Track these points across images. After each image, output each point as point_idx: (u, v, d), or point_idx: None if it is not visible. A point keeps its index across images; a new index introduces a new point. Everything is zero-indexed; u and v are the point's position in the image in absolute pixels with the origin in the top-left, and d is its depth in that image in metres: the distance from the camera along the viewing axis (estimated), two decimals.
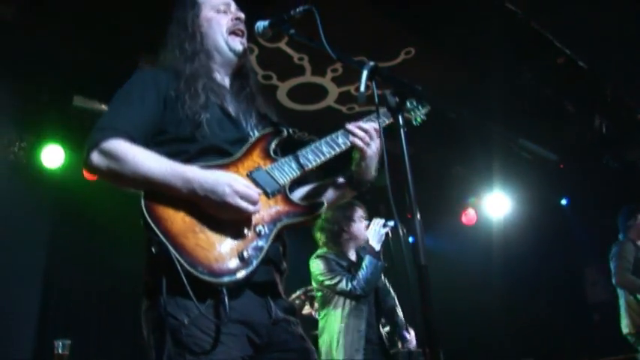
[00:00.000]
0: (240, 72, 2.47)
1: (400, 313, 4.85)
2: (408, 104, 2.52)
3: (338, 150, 2.33)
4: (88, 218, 6.33)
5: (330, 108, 6.73)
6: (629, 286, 5.84)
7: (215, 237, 1.95)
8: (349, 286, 4.41)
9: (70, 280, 6.32)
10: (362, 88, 1.83)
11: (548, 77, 6.18)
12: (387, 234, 4.54)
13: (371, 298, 4.63)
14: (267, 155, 2.23)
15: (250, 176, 2.13)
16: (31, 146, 6.08)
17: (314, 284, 4.71)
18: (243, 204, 1.95)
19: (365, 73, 1.85)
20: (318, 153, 2.30)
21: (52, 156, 6.09)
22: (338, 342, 4.44)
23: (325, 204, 2.18)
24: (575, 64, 5.78)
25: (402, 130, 1.79)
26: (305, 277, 4.91)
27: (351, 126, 2.32)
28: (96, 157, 2.01)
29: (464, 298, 8.29)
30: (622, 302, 5.94)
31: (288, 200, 2.15)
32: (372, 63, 1.88)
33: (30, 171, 6.11)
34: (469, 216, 9.33)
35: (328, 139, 2.35)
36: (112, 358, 6.25)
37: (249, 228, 2.01)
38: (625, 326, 5.90)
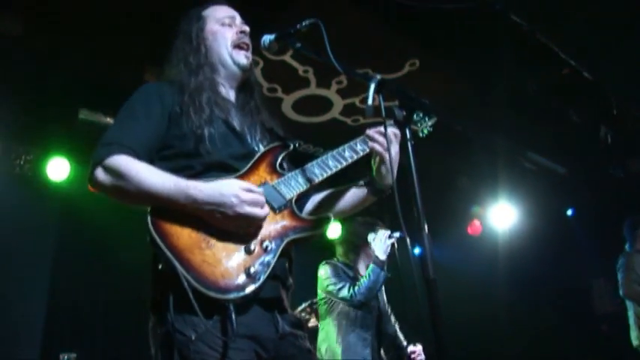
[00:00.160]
0: (245, 85, 2.47)
1: (402, 339, 4.91)
2: (415, 117, 2.52)
3: (356, 157, 2.33)
4: (94, 230, 6.32)
5: (335, 120, 6.73)
6: (637, 298, 5.80)
7: (222, 253, 1.94)
8: (350, 292, 4.52)
9: (76, 292, 6.30)
10: (369, 102, 1.83)
11: (554, 88, 6.18)
12: (392, 245, 4.62)
13: (373, 322, 4.69)
14: (273, 170, 2.23)
15: None
16: (37, 159, 6.09)
17: (319, 290, 4.78)
18: (253, 210, 1.95)
19: (372, 87, 1.85)
20: (324, 167, 2.29)
21: (58, 169, 6.09)
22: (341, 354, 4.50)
23: (332, 218, 2.17)
24: (580, 75, 5.78)
25: (409, 143, 1.79)
26: (310, 290, 4.94)
27: (371, 131, 2.32)
28: (100, 174, 2.02)
29: (469, 309, 8.24)
30: (630, 314, 5.89)
31: (294, 215, 2.14)
32: (378, 76, 1.88)
33: (35, 184, 6.12)
34: (474, 227, 9.30)
35: (346, 146, 2.35)
36: None
37: (255, 243, 2.00)
38: (635, 338, 5.85)
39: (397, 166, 2.23)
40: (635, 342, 5.85)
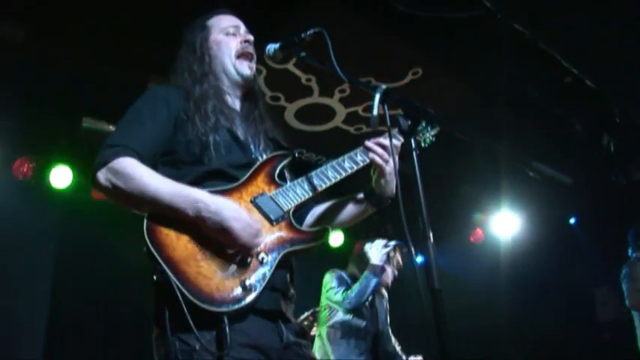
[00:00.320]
0: (249, 95, 2.48)
1: (402, 357, 4.99)
2: (418, 126, 2.53)
3: (355, 168, 2.33)
4: (96, 238, 6.35)
5: (338, 129, 6.73)
6: None
7: (217, 265, 1.94)
8: (343, 295, 4.72)
9: (78, 299, 6.29)
10: (374, 111, 1.83)
11: (556, 97, 6.17)
12: (388, 254, 4.86)
13: (370, 338, 4.84)
14: (271, 180, 2.22)
15: (254, 202, 2.12)
16: (40, 167, 6.10)
17: (322, 297, 4.96)
18: (244, 235, 1.95)
19: (377, 97, 1.85)
20: (324, 177, 2.29)
21: (61, 176, 6.10)
22: None
23: (330, 230, 2.17)
24: (583, 83, 5.77)
25: (414, 153, 1.79)
26: (313, 299, 5.00)
27: (369, 143, 2.32)
28: (104, 175, 2.02)
29: (471, 317, 8.21)
30: (637, 324, 5.85)
31: (292, 227, 2.13)
32: (383, 86, 1.88)
33: (38, 191, 6.13)
34: (477, 235, 9.29)
35: (346, 157, 2.36)
36: None
37: (251, 256, 1.99)
38: None
39: (397, 177, 2.23)
40: None
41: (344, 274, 4.97)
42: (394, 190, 2.33)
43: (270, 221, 2.09)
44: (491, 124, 6.45)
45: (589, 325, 8.62)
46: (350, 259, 5.22)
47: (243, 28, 2.50)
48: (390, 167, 2.28)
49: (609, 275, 6.56)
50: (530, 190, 8.14)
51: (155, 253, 1.89)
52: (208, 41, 2.42)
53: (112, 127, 5.73)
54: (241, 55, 2.41)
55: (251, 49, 2.44)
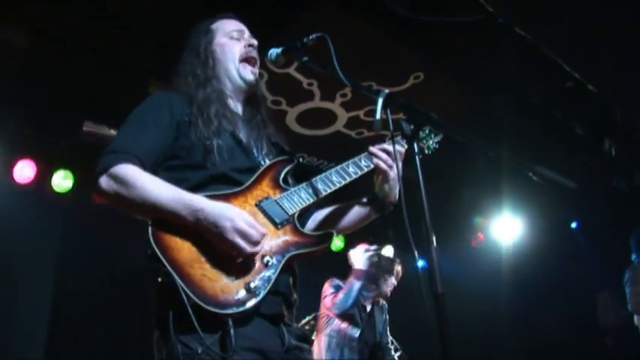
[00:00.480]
0: (251, 99, 2.48)
1: None
2: (421, 133, 2.53)
3: (360, 173, 2.34)
4: (97, 241, 6.35)
5: (339, 133, 6.73)
6: None
7: (222, 267, 1.93)
8: (331, 302, 4.82)
9: (79, 300, 6.30)
10: (377, 116, 1.82)
11: (558, 101, 6.18)
12: (370, 257, 4.95)
13: (366, 351, 4.94)
14: (276, 184, 2.22)
15: (259, 206, 2.12)
16: (41, 170, 6.10)
17: (321, 304, 5.04)
18: (241, 243, 1.92)
19: (380, 101, 1.85)
20: (328, 182, 2.29)
21: (62, 181, 6.11)
22: None
23: (335, 234, 2.17)
24: (584, 87, 5.78)
25: (417, 157, 1.79)
26: (315, 303, 5.03)
27: (374, 148, 2.32)
28: (105, 182, 2.02)
29: (472, 322, 8.20)
30: None
31: (297, 231, 2.13)
32: (386, 90, 1.88)
33: (40, 195, 6.13)
34: (478, 239, 9.29)
35: (351, 162, 2.36)
36: None
37: (256, 259, 1.99)
38: None
39: (400, 182, 2.23)
40: None
41: (341, 283, 5.01)
42: (397, 196, 2.33)
43: (275, 225, 2.09)
44: (493, 128, 6.45)
45: (591, 329, 8.60)
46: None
47: (247, 33, 2.50)
48: (393, 173, 2.29)
49: (611, 280, 6.54)
50: (531, 194, 8.13)
51: (160, 255, 1.88)
52: (212, 44, 2.43)
53: (113, 131, 5.75)
54: (245, 60, 2.41)
55: (255, 54, 2.44)
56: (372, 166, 2.34)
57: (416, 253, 1.70)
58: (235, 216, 1.94)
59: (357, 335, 4.82)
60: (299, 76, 5.62)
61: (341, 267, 5.32)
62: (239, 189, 2.13)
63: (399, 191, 2.13)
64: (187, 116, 2.20)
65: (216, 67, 2.39)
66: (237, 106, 2.42)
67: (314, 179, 2.28)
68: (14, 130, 5.79)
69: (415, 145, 1.80)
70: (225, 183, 2.12)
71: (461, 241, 9.21)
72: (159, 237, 1.93)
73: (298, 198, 2.20)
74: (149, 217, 1.97)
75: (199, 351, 1.84)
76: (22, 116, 5.78)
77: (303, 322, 5.17)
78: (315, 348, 4.85)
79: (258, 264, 1.98)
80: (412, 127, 1.83)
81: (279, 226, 2.10)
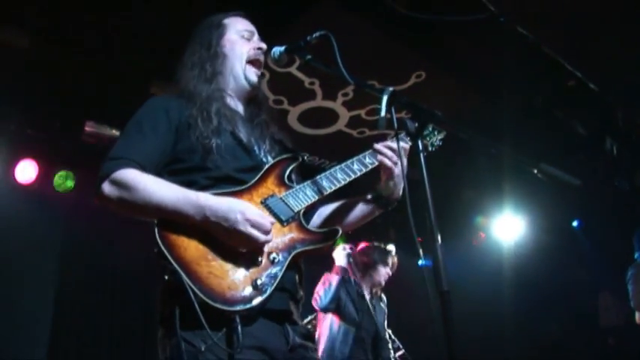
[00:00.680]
0: (253, 100, 2.49)
1: None
2: (425, 131, 2.53)
3: (364, 170, 2.35)
4: (99, 240, 6.36)
5: (341, 132, 6.73)
6: None
7: (228, 265, 1.94)
8: (314, 301, 5.02)
9: (81, 300, 6.30)
10: (382, 113, 1.82)
11: (559, 100, 6.17)
12: (348, 254, 5.25)
13: (369, 343, 5.05)
14: (281, 182, 2.23)
15: (264, 204, 2.12)
16: (43, 171, 6.10)
17: None
18: (255, 232, 1.93)
19: (384, 99, 1.85)
20: (333, 179, 2.29)
21: (64, 181, 6.11)
22: None
23: (340, 231, 2.17)
24: (586, 86, 5.77)
25: (421, 155, 1.79)
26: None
27: (379, 145, 2.33)
28: (107, 188, 2.03)
29: (474, 321, 8.19)
30: None
31: (302, 228, 2.14)
32: (390, 88, 1.88)
33: (41, 195, 6.13)
34: (480, 238, 9.29)
35: (355, 159, 2.36)
36: None
37: (262, 256, 1.99)
38: None
39: (405, 179, 2.22)
40: None
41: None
42: (401, 193, 2.33)
43: (281, 222, 2.10)
44: (494, 127, 6.44)
45: (592, 328, 8.60)
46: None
47: (256, 36, 2.51)
48: (398, 170, 2.29)
49: (612, 279, 6.53)
50: (532, 194, 8.13)
51: (166, 253, 1.89)
52: (223, 39, 2.43)
53: (114, 131, 5.75)
54: (251, 62, 2.42)
55: (262, 58, 2.45)
56: (377, 163, 2.34)
57: (421, 251, 1.70)
58: (245, 208, 1.95)
59: (353, 329, 4.93)
60: (301, 76, 5.61)
61: None
62: (244, 187, 2.13)
63: (404, 188, 2.13)
64: (186, 118, 2.20)
65: (224, 62, 2.39)
66: (237, 105, 2.42)
67: (319, 177, 2.29)
68: (16, 131, 5.79)
69: (420, 143, 1.80)
70: (229, 183, 2.13)
71: (462, 241, 9.22)
72: (165, 235, 1.93)
73: (303, 195, 2.21)
74: (155, 218, 1.97)
75: (202, 348, 1.85)
76: (24, 116, 5.78)
77: (306, 320, 5.18)
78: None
79: (264, 261, 1.99)
80: (416, 125, 1.83)
81: (285, 224, 2.10)
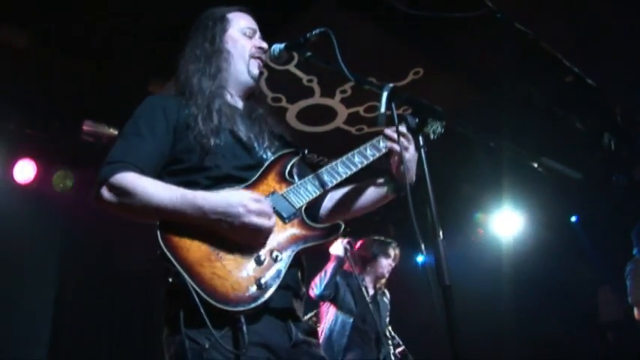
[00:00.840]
0: (251, 96, 2.48)
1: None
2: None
3: (365, 162, 2.33)
4: (99, 241, 6.36)
5: (339, 129, 6.72)
6: None
7: (231, 265, 1.93)
8: (310, 289, 5.04)
9: (82, 300, 6.32)
10: (382, 110, 1.83)
11: (557, 96, 6.18)
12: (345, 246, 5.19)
13: (372, 337, 5.11)
14: (282, 179, 2.22)
15: None
16: (41, 170, 6.10)
17: None
18: (260, 221, 1.94)
19: (385, 95, 1.85)
20: (334, 173, 2.28)
21: (62, 180, 6.11)
22: None
23: (343, 227, 2.17)
24: (584, 82, 5.78)
25: (422, 150, 1.79)
26: None
27: (389, 131, 2.32)
28: (106, 193, 2.02)
29: (473, 317, 8.19)
30: None
31: (304, 224, 2.13)
32: (391, 85, 1.88)
33: (40, 195, 6.13)
34: (478, 234, 9.31)
35: (356, 152, 2.36)
36: None
37: (265, 254, 1.99)
38: None
39: (415, 165, 2.22)
40: None
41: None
42: (414, 177, 2.28)
43: (283, 219, 2.09)
44: (492, 123, 6.45)
45: (591, 324, 8.61)
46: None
47: (258, 34, 2.50)
48: (409, 154, 2.26)
49: (612, 274, 6.54)
50: (531, 189, 8.14)
51: (169, 255, 1.88)
52: (226, 34, 2.42)
53: (112, 131, 5.75)
54: (253, 58, 2.42)
55: (263, 57, 2.44)
56: (378, 154, 2.34)
57: (422, 245, 1.70)
58: (242, 199, 1.95)
59: (351, 320, 4.97)
60: (299, 73, 5.61)
61: None
62: (245, 185, 2.12)
63: (411, 176, 2.12)
64: (185, 118, 2.19)
65: (228, 59, 2.38)
66: (237, 102, 2.41)
67: (320, 171, 2.28)
68: (14, 130, 5.79)
69: (421, 139, 1.81)
70: (230, 182, 2.12)
71: (461, 237, 9.22)
72: (167, 237, 1.93)
73: (305, 191, 2.20)
74: (155, 220, 1.97)
75: (207, 346, 1.85)
76: (23, 116, 5.78)
77: (307, 317, 5.19)
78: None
79: (267, 259, 1.98)
80: (417, 120, 1.83)
81: (287, 221, 2.10)
